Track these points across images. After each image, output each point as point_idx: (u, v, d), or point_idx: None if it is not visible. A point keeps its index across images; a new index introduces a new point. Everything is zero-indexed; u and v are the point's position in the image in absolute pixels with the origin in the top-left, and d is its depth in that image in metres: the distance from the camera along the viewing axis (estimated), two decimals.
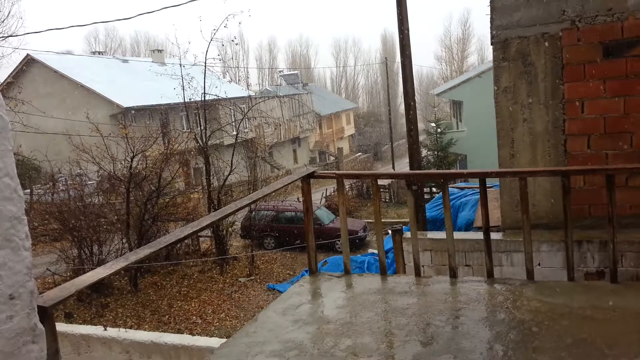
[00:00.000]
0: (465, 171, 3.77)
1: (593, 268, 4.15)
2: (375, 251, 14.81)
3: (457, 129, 28.86)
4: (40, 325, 1.73)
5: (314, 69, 71.92)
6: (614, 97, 4.19)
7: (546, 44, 4.33)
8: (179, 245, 15.36)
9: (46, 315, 1.79)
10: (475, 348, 2.53)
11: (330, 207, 21.99)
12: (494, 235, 4.54)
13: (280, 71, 57.12)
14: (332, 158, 45.22)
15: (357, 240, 17.62)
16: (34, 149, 19.85)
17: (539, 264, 4.26)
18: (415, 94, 8.55)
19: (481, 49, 66.81)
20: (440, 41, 69.98)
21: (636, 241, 3.98)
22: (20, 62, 28.31)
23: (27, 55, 28.04)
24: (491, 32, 4.54)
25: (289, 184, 3.77)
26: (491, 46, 4.70)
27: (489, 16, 4.54)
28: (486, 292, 3.24)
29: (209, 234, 16.46)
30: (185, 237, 2.56)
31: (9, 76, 27.88)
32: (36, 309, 1.73)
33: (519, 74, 4.47)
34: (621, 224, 4.26)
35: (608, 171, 3.30)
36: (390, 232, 5.62)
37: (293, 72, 52.58)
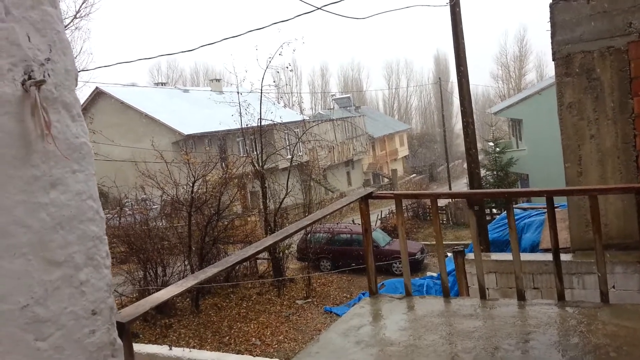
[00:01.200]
0: (529, 190, 3.62)
1: None
2: (434, 274, 14.44)
3: (517, 147, 27.92)
4: (119, 340, 1.82)
5: (366, 91, 72.33)
6: None
7: (612, 57, 4.19)
8: (237, 268, 15.65)
9: (124, 330, 1.88)
10: None
11: (386, 229, 21.74)
12: (564, 257, 4.33)
13: (332, 95, 57.84)
14: (385, 180, 44.88)
15: (415, 263, 17.27)
16: (102, 176, 21.01)
17: (614, 287, 4.02)
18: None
19: (540, 66, 64.80)
20: (496, 59, 68.48)
21: None
22: (90, 95, 30.29)
23: (96, 88, 29.98)
24: (552, 48, 4.44)
25: (348, 204, 3.79)
26: (552, 62, 4.58)
27: (550, 32, 4.44)
28: (557, 315, 3.08)
29: (267, 257, 16.69)
30: (250, 257, 2.63)
31: (80, 108, 29.79)
32: (115, 325, 1.82)
33: (583, 89, 4.32)
34: None
35: None
36: (450, 254, 5.49)
37: (345, 96, 53.06)
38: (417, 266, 17.46)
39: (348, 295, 15.46)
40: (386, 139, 50.77)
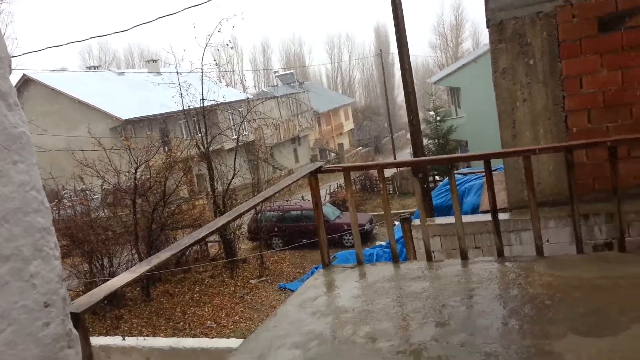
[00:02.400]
0: (469, 154, 3.84)
1: (601, 240, 4.21)
2: (383, 243, 14.87)
3: (456, 115, 28.85)
4: (74, 331, 1.81)
5: (309, 67, 71.99)
6: (611, 70, 4.23)
7: (541, 22, 4.38)
8: (188, 252, 15.47)
9: (79, 320, 1.86)
10: (491, 325, 2.60)
11: (335, 202, 22.07)
12: (502, 216, 4.59)
13: (275, 72, 57.17)
14: (332, 154, 45.28)
15: (364, 234, 17.70)
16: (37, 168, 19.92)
17: (548, 241, 4.31)
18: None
19: (475, 34, 66.63)
20: (433, 29, 69.82)
21: None
22: (17, 82, 28.41)
23: (24, 75, 28.16)
24: (486, 15, 4.59)
25: (298, 179, 3.83)
26: (487, 29, 4.75)
27: (482, 0, 4.58)
28: (498, 270, 3.30)
29: (217, 239, 16.57)
30: (203, 238, 2.63)
31: (16, 96, 27.94)
32: (69, 315, 1.80)
33: (516, 55, 4.51)
34: (626, 194, 4.32)
35: (609, 143, 3.34)
36: (398, 222, 5.68)
37: (288, 72, 52.59)
38: (366, 237, 17.92)
39: (301, 271, 15.69)
40: (331, 114, 50.98)
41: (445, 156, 4.10)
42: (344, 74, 74.49)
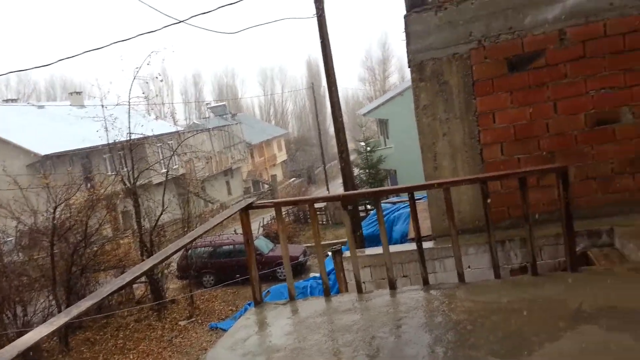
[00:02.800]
0: (394, 187, 4.00)
1: (517, 264, 4.48)
2: (317, 275, 14.89)
3: (385, 145, 29.88)
4: None
5: (242, 98, 72.00)
6: (520, 106, 4.60)
7: (457, 63, 4.71)
8: (111, 296, 14.62)
9: None
10: (417, 353, 2.67)
11: (269, 235, 21.87)
12: (426, 245, 4.78)
13: (207, 104, 56.61)
14: (266, 186, 45.10)
15: (298, 266, 17.62)
16: None
17: (469, 267, 4.54)
18: (343, 115, 8.86)
19: (401, 68, 69.82)
20: (362, 63, 72.55)
21: (551, 235, 4.34)
22: None
23: None
24: (408, 56, 4.87)
25: (228, 217, 3.79)
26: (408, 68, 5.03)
27: (405, 41, 4.85)
28: (423, 299, 3.41)
29: (144, 280, 15.82)
30: (128, 284, 2.52)
31: None
32: None
33: (435, 93, 4.80)
34: (537, 220, 4.65)
35: (519, 174, 3.61)
36: (330, 253, 5.74)
37: (220, 104, 52.29)
38: (301, 268, 17.85)
39: (234, 308, 15.28)
40: (264, 145, 51.03)
41: (372, 190, 4.24)
42: (277, 106, 75.22)
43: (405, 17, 4.76)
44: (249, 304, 10.71)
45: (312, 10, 8.21)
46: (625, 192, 4.47)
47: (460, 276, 3.62)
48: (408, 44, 4.81)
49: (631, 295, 2.98)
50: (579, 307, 2.93)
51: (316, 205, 4.32)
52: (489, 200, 3.62)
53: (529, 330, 2.72)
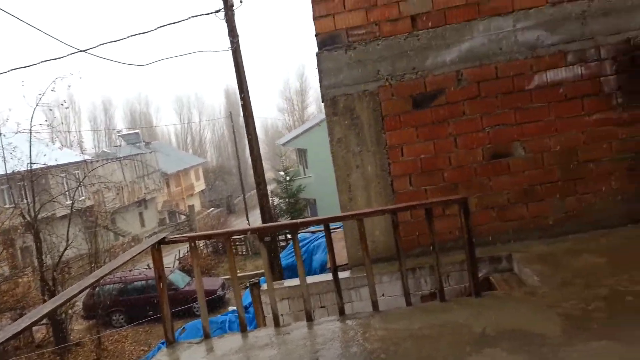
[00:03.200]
0: (309, 219, 4.11)
1: (427, 291, 4.70)
2: (236, 308, 14.53)
3: (305, 175, 30.25)
4: None
5: (157, 126, 69.76)
6: (425, 141, 4.91)
7: (367, 99, 4.94)
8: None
9: None
10: None
11: (185, 268, 21.09)
12: (342, 274, 4.88)
13: (118, 131, 54.24)
14: (183, 217, 43.66)
15: (216, 300, 17.10)
16: None
17: (383, 295, 4.68)
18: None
19: (319, 99, 70.99)
20: (281, 93, 73.48)
21: (457, 262, 4.61)
22: None
23: None
24: (321, 91, 5.04)
25: (139, 253, 3.65)
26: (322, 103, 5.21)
27: (318, 77, 5.03)
28: (340, 329, 3.47)
29: (45, 321, 14.51)
30: (24, 329, 2.33)
31: None
32: None
33: (348, 127, 4.99)
34: (444, 248, 4.93)
35: (425, 205, 3.83)
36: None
37: (133, 132, 50.34)
38: (219, 302, 17.33)
39: (146, 348, 14.44)
40: (181, 175, 49.59)
41: (287, 222, 4.27)
42: (195, 134, 73.76)
43: (317, 54, 4.95)
44: (162, 344, 10.21)
45: (228, 43, 8.27)
46: (520, 220, 4.87)
47: (375, 305, 3.73)
48: (321, 80, 4.99)
49: (528, 318, 3.23)
50: (483, 331, 3.12)
51: (235, 236, 4.27)
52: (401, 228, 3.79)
53: (438, 356, 2.86)
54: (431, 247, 3.78)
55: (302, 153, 32.27)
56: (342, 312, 3.73)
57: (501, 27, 4.69)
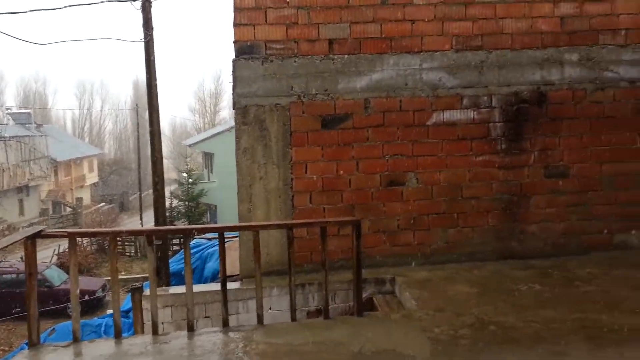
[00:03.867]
0: (204, 226, 3.98)
1: (313, 307, 4.78)
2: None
3: (209, 180, 29.54)
4: None
5: (52, 109, 64.38)
6: (329, 161, 5.04)
7: (278, 113, 4.98)
8: None
9: None
10: None
11: (64, 265, 19.52)
12: (232, 285, 4.81)
13: (7, 109, 49.28)
14: (68, 209, 40.49)
15: (96, 301, 16.02)
16: None
17: (270, 308, 4.69)
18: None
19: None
20: (194, 93, 71.42)
21: (345, 281, 4.75)
22: None
23: None
24: (233, 98, 5.00)
25: (11, 244, 3.33)
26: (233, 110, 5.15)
27: (232, 84, 4.98)
28: (221, 341, 3.41)
29: None
30: None
31: None
32: None
33: (256, 137, 4.99)
34: (334, 266, 5.07)
35: (321, 224, 3.92)
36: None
37: (25, 111, 45.95)
38: (98, 304, 16.24)
39: (7, 348, 13.09)
40: (73, 164, 46.05)
41: (181, 227, 4.16)
42: (94, 123, 69.05)
43: (233, 61, 4.91)
44: (26, 344, 9.32)
45: (142, 34, 7.91)
46: (407, 246, 5.16)
47: (259, 318, 3.73)
48: (234, 87, 4.95)
49: (402, 340, 3.41)
50: (360, 350, 3.24)
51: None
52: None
53: None
54: (322, 265, 3.87)
55: (208, 157, 31.51)
56: (225, 323, 3.68)
57: (409, 64, 5.00)
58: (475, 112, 5.10)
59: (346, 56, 4.94)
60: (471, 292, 4.32)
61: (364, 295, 4.76)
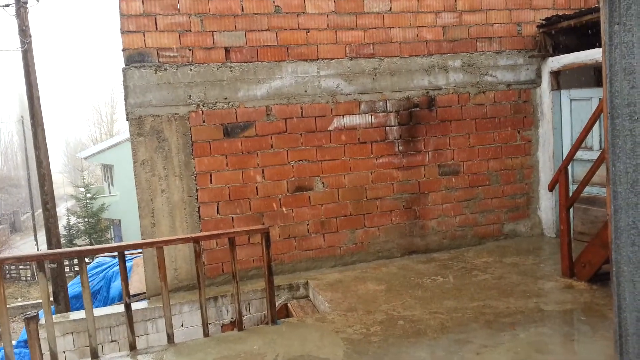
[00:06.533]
0: (102, 247, 3.71)
1: (228, 319, 4.71)
2: (13, 342, 12.48)
3: (110, 193, 27.85)
4: None
5: None
6: (234, 169, 4.99)
7: (177, 123, 4.84)
8: None
9: None
10: None
11: None
12: (138, 305, 4.61)
13: None
14: None
15: None
16: None
17: (182, 325, 4.55)
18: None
19: None
20: (89, 103, 66.95)
21: (259, 289, 4.74)
22: None
23: None
24: (126, 109, 4.76)
25: None
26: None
27: (123, 94, 4.74)
28: None
29: None
30: None
31: None
32: None
33: (155, 149, 4.80)
34: (248, 275, 5.04)
35: (229, 235, 3.87)
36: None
37: None
38: None
39: None
40: None
41: (75, 249, 3.88)
42: None
43: (123, 70, 4.70)
44: None
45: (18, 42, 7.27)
46: (318, 250, 5.25)
47: (170, 337, 3.60)
48: (126, 97, 4.74)
49: (316, 344, 3.47)
50: (275, 359, 3.25)
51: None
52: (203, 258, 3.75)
53: None
54: (232, 276, 3.82)
55: (107, 169, 29.70)
56: (133, 346, 3.51)
57: (307, 72, 5.10)
58: (373, 117, 5.33)
59: (244, 64, 4.93)
60: (380, 290, 4.50)
61: (279, 302, 4.78)
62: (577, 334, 3.40)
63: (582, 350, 3.15)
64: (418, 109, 5.46)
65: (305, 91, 5.10)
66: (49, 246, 7.63)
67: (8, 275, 22.31)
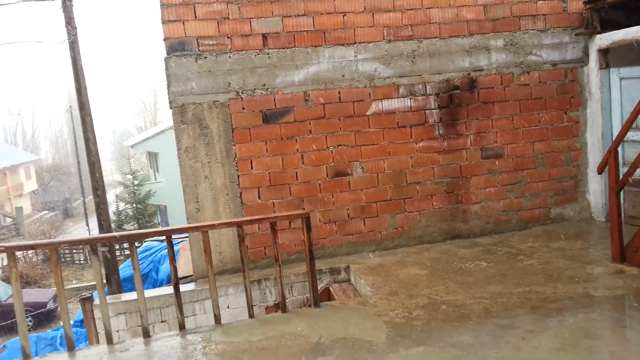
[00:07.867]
0: (151, 231, 3.89)
1: (271, 302, 4.83)
2: (72, 322, 13.20)
3: (155, 180, 28.71)
4: None
5: None
6: (274, 155, 5.06)
7: (217, 110, 4.94)
8: None
9: None
10: None
11: (10, 278, 18.55)
12: (186, 287, 4.78)
13: None
14: (8, 220, 38.32)
15: (47, 313, 15.36)
16: None
17: (228, 307, 4.70)
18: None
19: None
20: (134, 92, 68.90)
21: (301, 273, 4.83)
22: None
23: None
24: (169, 98, 4.89)
25: None
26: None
27: (166, 82, 4.87)
28: (179, 345, 3.39)
29: None
30: None
31: None
32: None
33: (197, 136, 4.93)
34: (289, 259, 5.14)
35: (270, 219, 3.94)
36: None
37: None
38: (49, 316, 15.59)
39: None
40: (8, 172, 43.48)
41: (125, 233, 4.06)
42: (26, 127, 65.31)
43: (165, 59, 4.82)
44: None
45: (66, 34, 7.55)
46: (358, 234, 5.28)
47: (217, 318, 3.73)
48: (169, 86, 4.86)
49: (359, 327, 3.51)
50: (318, 340, 3.31)
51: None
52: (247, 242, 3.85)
53: None
54: (275, 260, 3.90)
55: (153, 156, 30.57)
56: (182, 327, 3.66)
57: (344, 56, 5.08)
58: (412, 100, 5.26)
59: (281, 50, 4.96)
60: (422, 274, 4.49)
61: (321, 285, 4.85)
62: (628, 321, 3.30)
63: (635, 337, 3.06)
64: (459, 91, 5.35)
65: (343, 76, 5.09)
66: (101, 231, 7.99)
67: (62, 259, 23.49)
